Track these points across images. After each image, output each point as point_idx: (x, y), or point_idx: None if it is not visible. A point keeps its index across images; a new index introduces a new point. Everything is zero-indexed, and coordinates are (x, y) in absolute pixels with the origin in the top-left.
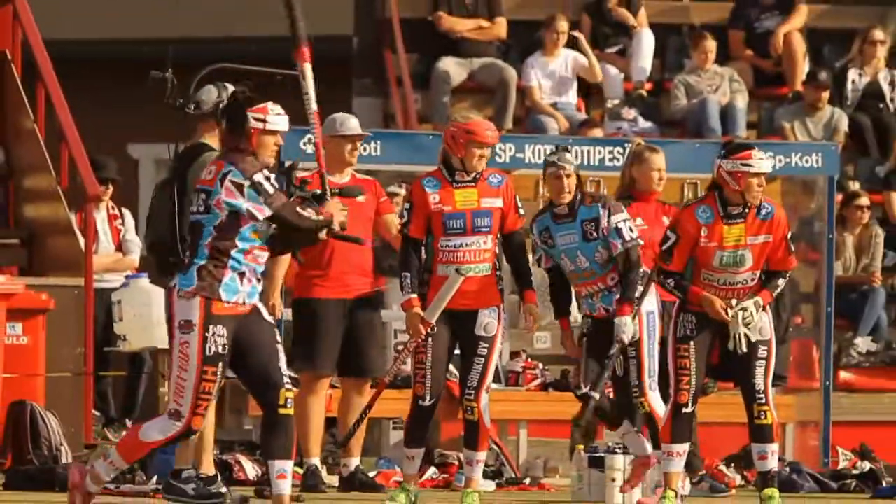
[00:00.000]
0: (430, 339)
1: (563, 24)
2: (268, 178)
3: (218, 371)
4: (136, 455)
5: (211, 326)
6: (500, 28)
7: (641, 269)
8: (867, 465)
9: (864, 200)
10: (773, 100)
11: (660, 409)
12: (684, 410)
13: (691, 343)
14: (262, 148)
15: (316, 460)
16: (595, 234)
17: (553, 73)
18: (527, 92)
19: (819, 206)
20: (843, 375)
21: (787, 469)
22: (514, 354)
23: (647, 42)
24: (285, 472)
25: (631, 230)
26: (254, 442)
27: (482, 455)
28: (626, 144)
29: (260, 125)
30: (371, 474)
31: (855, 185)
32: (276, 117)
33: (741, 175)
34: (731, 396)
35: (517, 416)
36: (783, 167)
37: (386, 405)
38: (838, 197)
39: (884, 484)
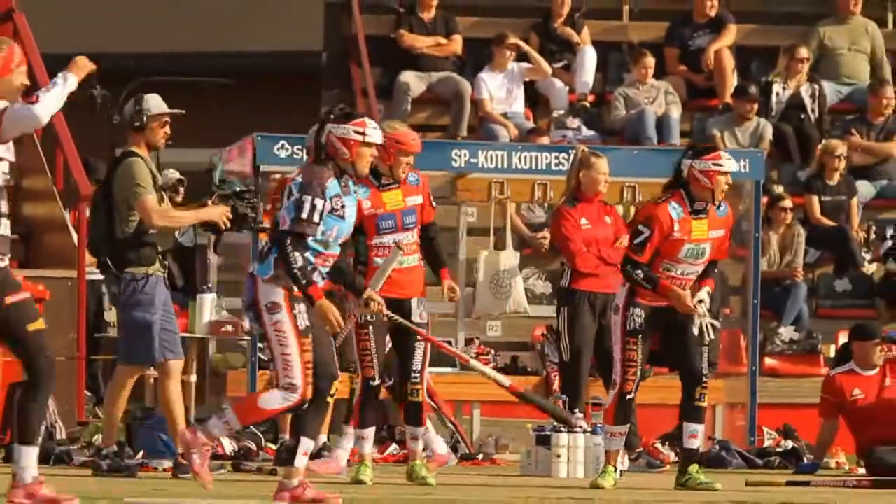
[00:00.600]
0: (370, 327)
1: (511, 42)
2: (314, 206)
3: (310, 342)
4: (252, 419)
5: (295, 304)
6: (456, 45)
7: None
8: (790, 444)
9: (788, 203)
10: (705, 111)
11: None
12: (628, 398)
13: (639, 336)
14: (360, 158)
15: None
16: None
17: (503, 86)
18: (479, 103)
19: (746, 208)
20: (768, 362)
21: (717, 447)
22: (469, 341)
23: (589, 58)
24: (308, 451)
25: None
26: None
27: (422, 430)
28: (570, 151)
29: (360, 137)
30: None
31: (779, 189)
32: (373, 131)
33: (713, 174)
34: (666, 380)
35: (471, 398)
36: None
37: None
38: (764, 199)
39: (805, 461)
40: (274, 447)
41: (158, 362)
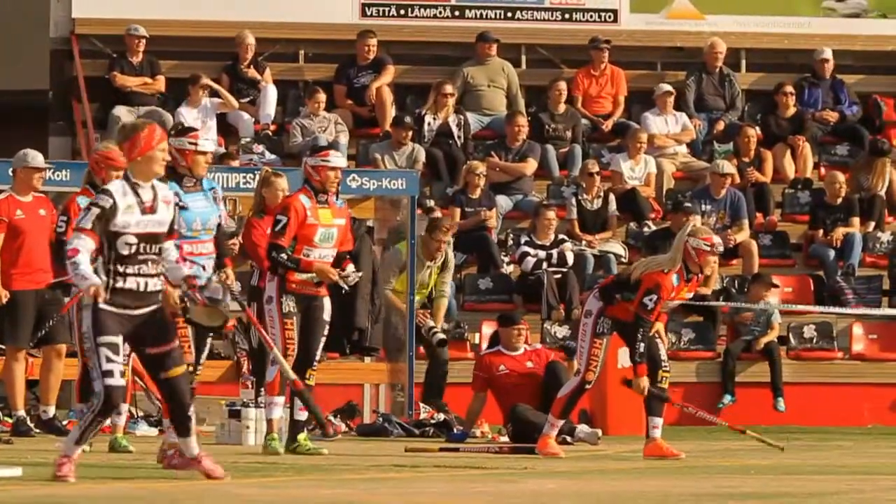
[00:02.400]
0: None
1: (204, 82)
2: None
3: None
4: None
5: None
6: (160, 84)
7: None
8: (442, 417)
9: (438, 213)
10: (368, 137)
11: None
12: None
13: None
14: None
15: (21, 412)
16: None
17: (198, 118)
18: None
19: (404, 219)
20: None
21: (381, 419)
22: None
23: (271, 94)
24: None
25: None
26: None
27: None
28: (255, 172)
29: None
30: (64, 422)
31: (430, 203)
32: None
33: (321, 168)
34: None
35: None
36: (376, 189)
37: None
38: (418, 211)
39: (455, 430)
40: (10, 420)
41: None
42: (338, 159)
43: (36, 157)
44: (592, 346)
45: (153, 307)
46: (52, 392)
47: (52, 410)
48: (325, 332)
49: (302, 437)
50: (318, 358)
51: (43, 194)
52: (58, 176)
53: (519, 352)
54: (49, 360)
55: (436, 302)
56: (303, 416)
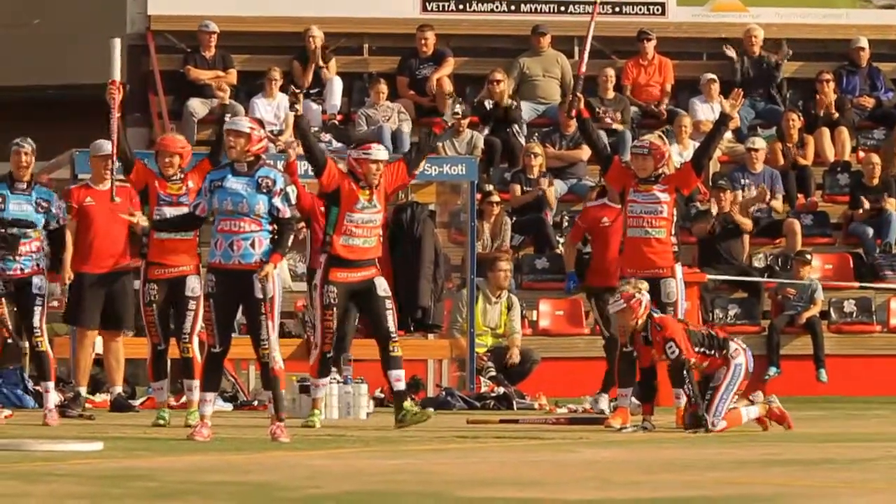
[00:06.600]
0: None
1: (275, 74)
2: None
3: None
4: None
5: None
6: (232, 77)
7: None
8: (502, 390)
9: (496, 198)
10: (430, 126)
11: None
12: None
13: None
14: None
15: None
16: None
17: (271, 110)
18: None
19: (464, 203)
20: None
21: (444, 393)
22: None
23: (337, 85)
24: None
25: None
26: None
27: (196, 382)
28: None
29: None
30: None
31: (489, 187)
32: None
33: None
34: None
35: (247, 357)
36: (438, 174)
37: None
38: (477, 196)
39: (514, 405)
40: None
41: None
42: (380, 153)
43: (100, 147)
44: None
45: None
46: (116, 373)
47: (116, 390)
48: (389, 306)
49: (407, 404)
50: (393, 332)
51: (125, 183)
52: None
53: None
54: (106, 342)
55: (509, 338)
56: (401, 385)
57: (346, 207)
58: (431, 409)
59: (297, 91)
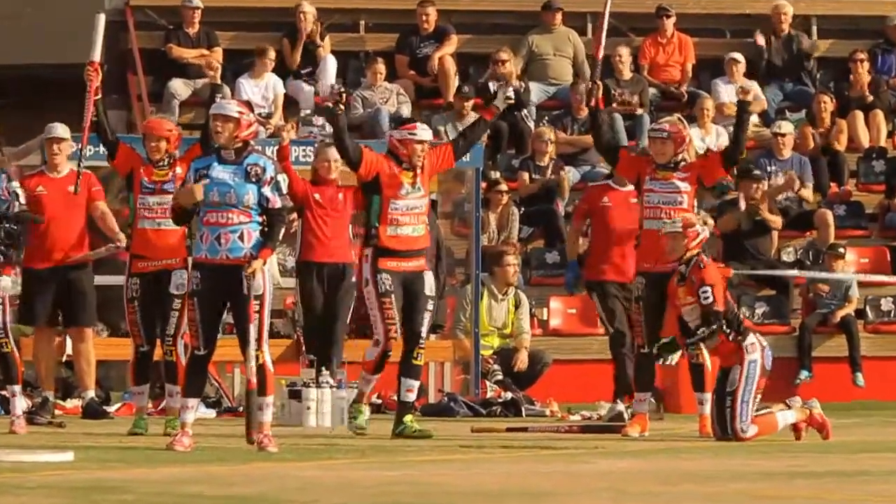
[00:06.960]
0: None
1: (271, 53)
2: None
3: None
4: None
5: None
6: (218, 55)
7: None
8: (510, 395)
9: (503, 186)
10: (431, 108)
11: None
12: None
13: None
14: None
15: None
16: None
17: (259, 91)
18: None
19: (468, 192)
20: None
21: (446, 399)
22: None
23: (331, 65)
24: None
25: None
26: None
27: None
28: (315, 144)
29: None
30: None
31: (496, 175)
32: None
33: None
34: None
35: (232, 359)
36: None
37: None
38: (483, 184)
39: (523, 411)
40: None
41: None
42: (425, 132)
43: (50, 129)
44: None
45: None
46: (87, 376)
47: (89, 394)
48: (430, 308)
49: (408, 418)
50: (423, 335)
51: (88, 170)
52: None
53: (628, 188)
54: (75, 343)
55: (517, 339)
56: (410, 397)
57: (389, 194)
58: (433, 431)
59: (343, 91)
